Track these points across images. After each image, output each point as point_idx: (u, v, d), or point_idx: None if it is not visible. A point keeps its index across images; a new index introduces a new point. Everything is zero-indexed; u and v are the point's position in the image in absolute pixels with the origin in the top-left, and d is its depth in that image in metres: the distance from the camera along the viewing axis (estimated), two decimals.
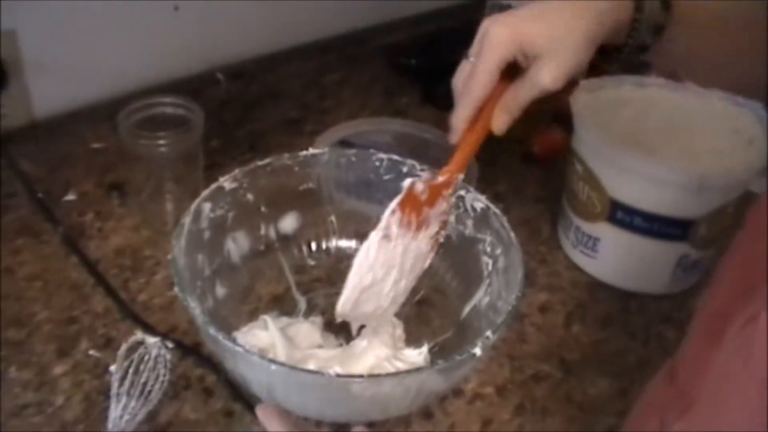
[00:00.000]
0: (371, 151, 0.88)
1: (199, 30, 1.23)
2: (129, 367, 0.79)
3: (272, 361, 0.64)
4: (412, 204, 0.75)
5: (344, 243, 0.92)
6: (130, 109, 0.96)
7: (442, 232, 0.78)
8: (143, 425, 0.78)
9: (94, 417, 0.79)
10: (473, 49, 0.73)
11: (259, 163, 0.84)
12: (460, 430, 0.82)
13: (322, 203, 0.90)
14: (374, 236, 0.75)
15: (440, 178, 0.76)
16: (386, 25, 1.40)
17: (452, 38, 1.37)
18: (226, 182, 0.82)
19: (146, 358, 0.80)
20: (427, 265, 0.79)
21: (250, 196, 0.84)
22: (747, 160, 0.92)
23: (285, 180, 0.86)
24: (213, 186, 0.81)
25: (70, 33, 1.12)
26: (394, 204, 0.75)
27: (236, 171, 0.83)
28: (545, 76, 0.69)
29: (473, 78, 0.71)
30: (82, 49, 1.15)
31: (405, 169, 0.86)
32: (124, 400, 0.76)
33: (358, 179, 0.89)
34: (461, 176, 0.77)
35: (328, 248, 0.92)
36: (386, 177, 0.87)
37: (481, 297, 0.82)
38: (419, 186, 0.75)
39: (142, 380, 0.78)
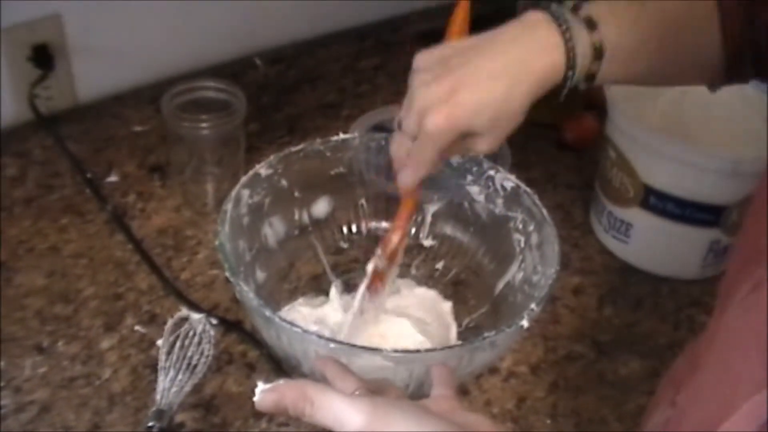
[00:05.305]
0: None
1: (239, 15, 1.25)
2: (175, 341, 0.81)
3: (330, 339, 0.65)
4: (377, 279, 0.80)
5: (375, 225, 0.94)
6: (173, 92, 0.99)
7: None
8: (189, 397, 0.80)
9: (141, 389, 0.82)
10: (407, 122, 0.70)
11: (293, 149, 0.86)
12: (495, 406, 0.84)
13: (353, 187, 0.91)
14: (350, 315, 0.80)
15: (394, 238, 0.80)
16: (421, 12, 1.41)
17: (484, 25, 1.39)
18: (262, 169, 0.84)
19: (191, 333, 0.82)
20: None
21: (284, 182, 0.86)
22: None
23: (317, 165, 0.88)
24: (250, 173, 0.83)
25: (114, 18, 1.14)
26: (362, 288, 0.80)
27: (271, 157, 0.85)
28: (482, 147, 0.69)
29: (416, 160, 0.71)
30: (126, 34, 1.17)
31: None
32: (171, 373, 0.79)
33: (388, 162, 0.90)
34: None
35: (360, 230, 0.94)
36: None
37: (514, 273, 0.84)
38: (379, 263, 0.80)
39: (188, 354, 0.80)
